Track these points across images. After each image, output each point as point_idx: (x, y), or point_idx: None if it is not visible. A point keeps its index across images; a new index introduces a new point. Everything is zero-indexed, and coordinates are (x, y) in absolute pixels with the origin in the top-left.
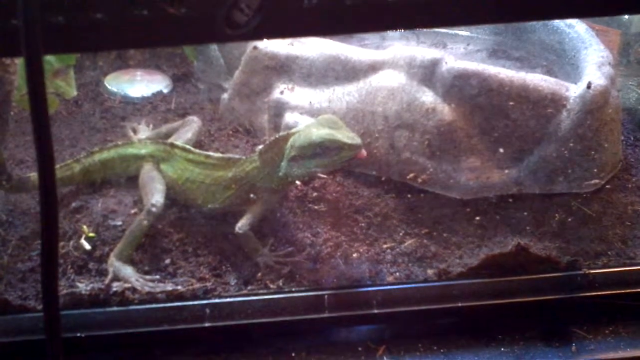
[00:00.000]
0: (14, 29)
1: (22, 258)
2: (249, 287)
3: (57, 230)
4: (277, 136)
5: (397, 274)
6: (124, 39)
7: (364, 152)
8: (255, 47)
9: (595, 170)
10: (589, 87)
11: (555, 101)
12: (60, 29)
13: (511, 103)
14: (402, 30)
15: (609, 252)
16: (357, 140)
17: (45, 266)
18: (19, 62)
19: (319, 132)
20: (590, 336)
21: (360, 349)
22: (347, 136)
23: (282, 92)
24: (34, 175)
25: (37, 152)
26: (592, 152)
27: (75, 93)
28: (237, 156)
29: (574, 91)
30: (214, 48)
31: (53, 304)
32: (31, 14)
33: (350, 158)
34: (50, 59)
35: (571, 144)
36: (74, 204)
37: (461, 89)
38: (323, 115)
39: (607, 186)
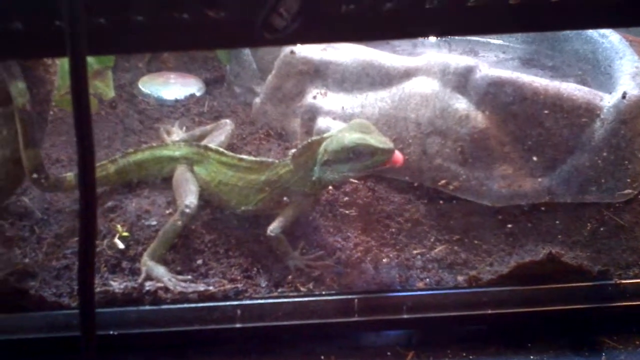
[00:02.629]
0: (56, 30)
1: (57, 256)
2: (280, 290)
3: (94, 229)
4: (310, 140)
5: (427, 279)
6: (164, 41)
7: (399, 158)
8: (291, 52)
9: (628, 180)
10: (623, 97)
11: (589, 110)
12: (102, 30)
13: (545, 112)
14: (436, 38)
15: None
16: (390, 145)
17: (82, 264)
18: (59, 62)
19: (351, 137)
20: (621, 346)
21: (389, 353)
22: (379, 140)
23: (314, 97)
24: (70, 174)
25: (78, 152)
26: (626, 162)
27: (113, 94)
28: (270, 160)
29: (608, 101)
30: (247, 52)
31: (89, 301)
32: (76, 15)
33: (382, 162)
34: (89, 60)
35: (604, 154)
36: (108, 204)
37: (495, 96)
38: (355, 120)
39: None
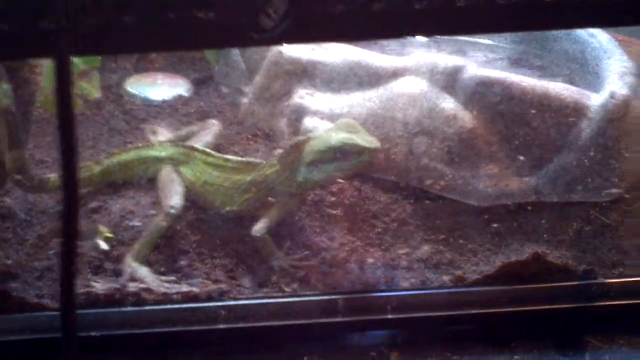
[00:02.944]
0: (42, 31)
1: (39, 257)
2: (264, 290)
3: (77, 230)
4: (296, 140)
5: (413, 279)
6: (152, 42)
7: (380, 156)
8: (280, 52)
9: (615, 179)
10: (612, 96)
11: (577, 110)
12: (89, 31)
13: (533, 111)
14: (425, 38)
15: (625, 262)
16: (376, 144)
17: (63, 265)
18: (45, 63)
19: (337, 136)
20: (605, 346)
21: (373, 354)
22: (366, 140)
23: (302, 97)
24: (53, 176)
25: (61, 153)
26: (613, 162)
27: (98, 95)
28: (256, 160)
29: (595, 100)
30: (235, 53)
31: (70, 303)
32: (61, 16)
33: (369, 162)
34: (75, 60)
35: (591, 153)
36: (92, 204)
37: (483, 96)
38: (342, 120)
39: (627, 196)
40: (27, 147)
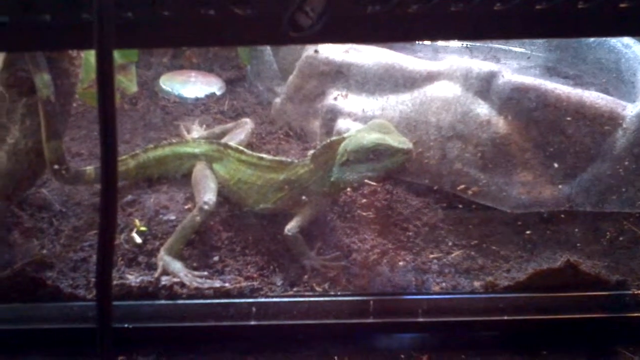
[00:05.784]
0: (83, 23)
1: (74, 248)
2: (295, 289)
3: (115, 223)
4: (329, 140)
5: (443, 284)
6: (189, 36)
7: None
8: (315, 51)
9: None
10: None
11: (612, 119)
12: (128, 24)
13: (567, 119)
14: (457, 44)
15: None
16: (409, 145)
17: (100, 257)
18: (84, 55)
19: (370, 137)
20: (636, 357)
21: (402, 356)
22: (398, 141)
23: (335, 98)
24: (90, 168)
25: (101, 146)
26: None
27: (135, 89)
28: (289, 159)
29: (630, 110)
30: (268, 52)
31: (106, 294)
32: (104, 8)
33: (401, 163)
34: (114, 54)
35: (626, 163)
36: (127, 198)
37: (518, 102)
38: (374, 120)
39: None
40: (63, 139)
